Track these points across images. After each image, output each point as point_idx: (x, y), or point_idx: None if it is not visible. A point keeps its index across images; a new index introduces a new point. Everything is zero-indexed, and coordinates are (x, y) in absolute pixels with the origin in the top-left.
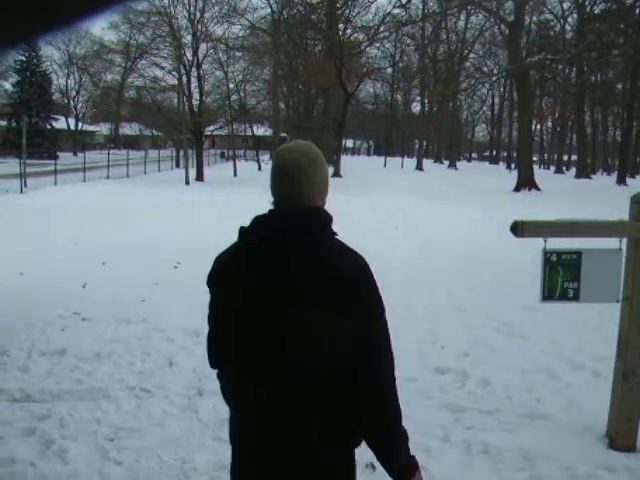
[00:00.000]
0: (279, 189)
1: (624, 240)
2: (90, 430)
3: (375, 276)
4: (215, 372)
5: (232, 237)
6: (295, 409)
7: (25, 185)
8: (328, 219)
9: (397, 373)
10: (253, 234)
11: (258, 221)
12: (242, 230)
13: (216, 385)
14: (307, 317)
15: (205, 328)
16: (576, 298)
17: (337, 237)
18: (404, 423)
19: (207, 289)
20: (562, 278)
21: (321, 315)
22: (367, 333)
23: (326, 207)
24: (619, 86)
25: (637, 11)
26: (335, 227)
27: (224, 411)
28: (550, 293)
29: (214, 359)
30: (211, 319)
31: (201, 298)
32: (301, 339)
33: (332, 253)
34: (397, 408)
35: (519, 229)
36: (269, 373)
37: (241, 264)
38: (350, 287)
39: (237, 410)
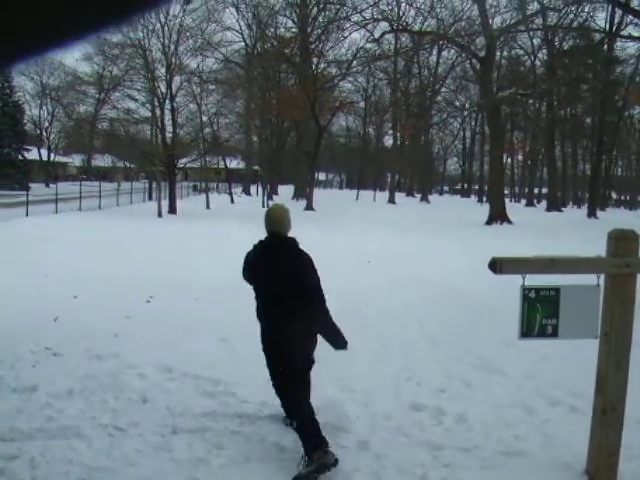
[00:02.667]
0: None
1: (602, 276)
2: (61, 470)
3: (348, 311)
4: None
5: (204, 270)
6: None
7: None
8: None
9: (372, 410)
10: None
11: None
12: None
13: (190, 423)
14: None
15: (178, 363)
16: (555, 334)
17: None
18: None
19: (183, 325)
20: (541, 315)
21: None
22: None
23: (305, 241)
24: (588, 120)
25: (605, 47)
26: None
27: (199, 450)
28: (529, 330)
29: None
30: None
31: (174, 334)
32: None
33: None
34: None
35: (497, 266)
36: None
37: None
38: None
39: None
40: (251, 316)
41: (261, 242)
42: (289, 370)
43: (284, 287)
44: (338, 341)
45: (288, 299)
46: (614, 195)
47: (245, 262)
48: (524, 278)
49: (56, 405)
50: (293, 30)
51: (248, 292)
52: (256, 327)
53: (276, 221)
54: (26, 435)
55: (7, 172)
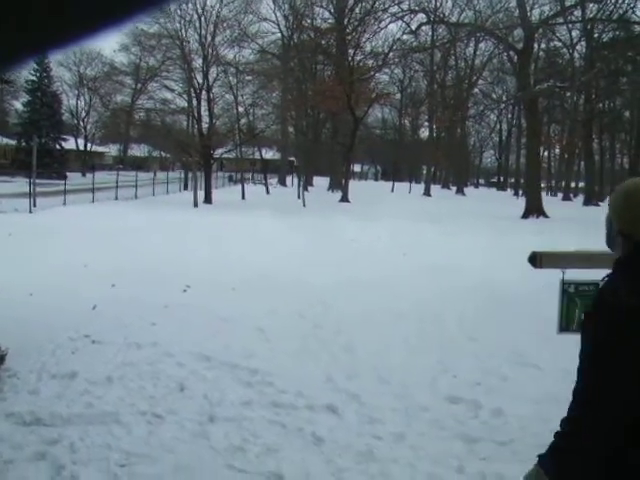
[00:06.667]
0: None
1: None
2: (101, 455)
3: (385, 304)
4: None
5: (240, 260)
6: None
7: (34, 205)
8: None
9: (408, 402)
10: None
11: None
12: None
13: (228, 411)
14: None
15: (215, 352)
16: None
17: None
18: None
19: (220, 315)
20: (580, 309)
21: None
22: None
23: (340, 233)
24: (627, 114)
25: None
26: (344, 253)
27: (235, 438)
28: (568, 324)
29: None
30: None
31: (211, 323)
32: None
33: None
34: None
35: (537, 260)
36: None
37: None
38: None
39: None
40: (288, 306)
41: None
42: None
43: None
44: None
45: None
46: None
47: (624, 331)
48: (564, 272)
49: (95, 391)
50: (330, 21)
51: (285, 282)
52: (299, 320)
53: None
54: (66, 420)
55: (45, 161)
